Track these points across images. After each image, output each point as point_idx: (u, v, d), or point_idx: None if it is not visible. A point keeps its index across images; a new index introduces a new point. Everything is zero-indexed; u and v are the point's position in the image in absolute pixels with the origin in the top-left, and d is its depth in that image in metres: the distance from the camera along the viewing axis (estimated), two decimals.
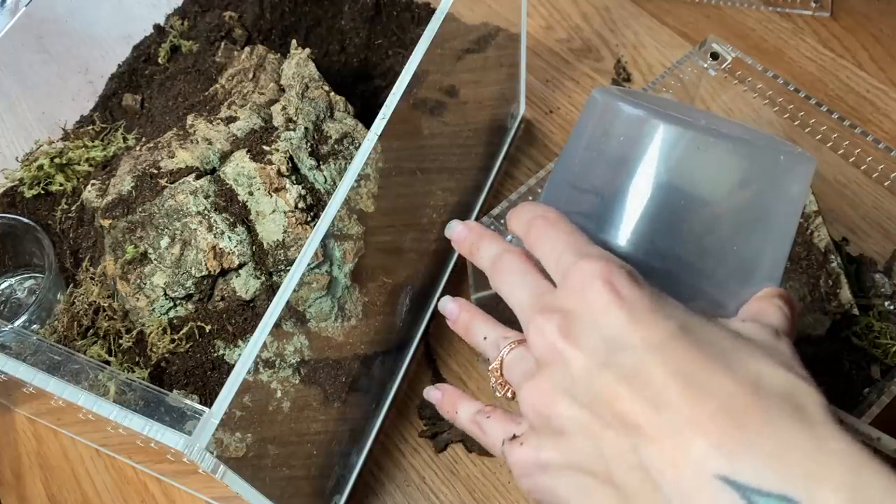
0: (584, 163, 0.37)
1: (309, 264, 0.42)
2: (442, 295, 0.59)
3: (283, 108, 0.49)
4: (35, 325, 0.49)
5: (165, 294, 0.44)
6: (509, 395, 0.35)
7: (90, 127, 0.56)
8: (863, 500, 0.25)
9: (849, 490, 0.25)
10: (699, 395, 0.27)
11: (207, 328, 0.44)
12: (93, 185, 0.49)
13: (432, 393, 0.41)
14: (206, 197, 0.45)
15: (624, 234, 0.34)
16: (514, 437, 0.34)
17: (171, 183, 0.45)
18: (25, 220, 0.52)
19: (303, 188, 0.46)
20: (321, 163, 0.48)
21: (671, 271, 0.34)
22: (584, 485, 0.30)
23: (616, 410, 0.29)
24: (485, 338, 0.37)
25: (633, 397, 0.28)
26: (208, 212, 0.44)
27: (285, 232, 0.45)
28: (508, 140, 0.66)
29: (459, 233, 0.39)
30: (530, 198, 0.53)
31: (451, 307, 0.40)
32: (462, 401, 0.39)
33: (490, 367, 0.36)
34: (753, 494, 0.26)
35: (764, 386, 0.28)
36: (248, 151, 0.46)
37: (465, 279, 0.60)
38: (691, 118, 0.36)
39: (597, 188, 0.36)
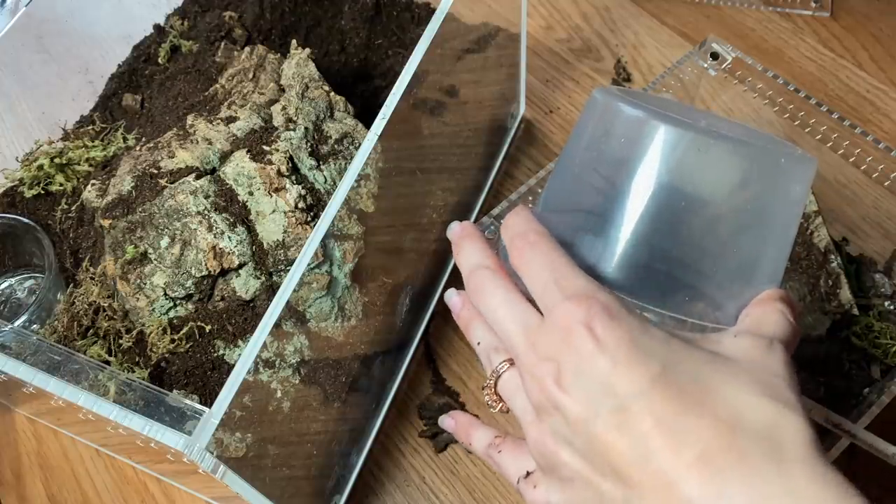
0: (584, 163, 0.37)
1: (309, 264, 0.42)
2: (442, 295, 0.59)
3: (283, 108, 0.49)
4: (35, 325, 0.49)
5: (165, 294, 0.44)
6: (503, 409, 0.36)
7: (90, 127, 0.56)
8: None
9: None
10: (679, 445, 0.28)
11: (207, 328, 0.44)
12: (93, 185, 0.49)
13: (446, 421, 0.42)
14: (206, 197, 0.45)
15: (624, 235, 0.34)
16: (528, 473, 0.35)
17: (171, 183, 0.45)
18: (25, 220, 0.52)
19: (303, 188, 0.46)
20: (321, 163, 0.48)
21: (671, 272, 0.34)
22: None
23: (610, 461, 0.30)
24: (478, 343, 0.38)
25: (624, 448, 0.29)
26: (208, 212, 0.44)
27: (285, 232, 0.45)
28: (508, 140, 0.66)
29: (456, 233, 0.39)
30: (530, 198, 0.53)
31: (456, 301, 0.40)
32: (474, 430, 0.40)
33: (483, 385, 0.37)
34: None
35: (743, 425, 0.29)
36: (248, 151, 0.46)
37: None
38: (692, 119, 0.36)
39: (597, 188, 0.36)
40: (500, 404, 0.36)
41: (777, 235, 0.36)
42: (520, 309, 0.34)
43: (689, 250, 0.34)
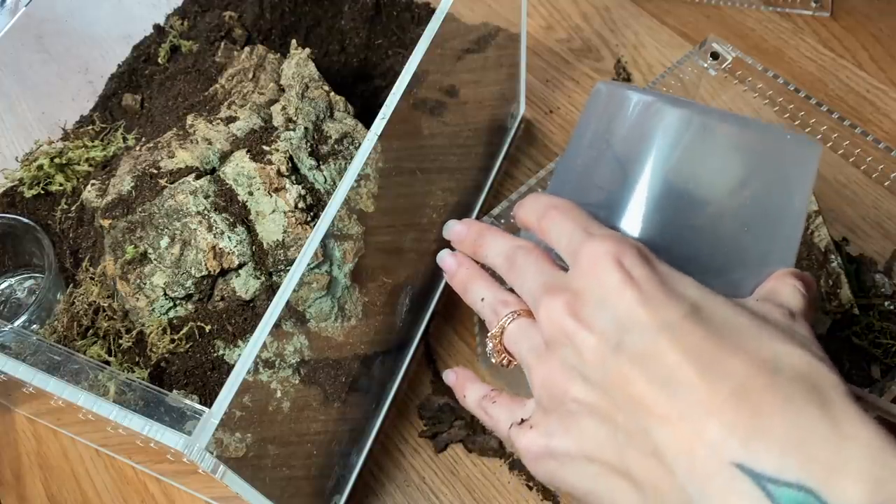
0: (589, 154, 0.37)
1: (309, 264, 0.42)
2: (442, 295, 0.59)
3: (283, 108, 0.49)
4: (35, 325, 0.49)
5: (165, 294, 0.44)
6: (504, 362, 0.35)
7: (90, 127, 0.56)
8: (887, 492, 0.24)
9: (872, 481, 0.24)
10: (713, 378, 0.26)
11: (207, 328, 0.44)
12: (93, 185, 0.49)
13: (449, 376, 0.40)
14: (206, 197, 0.45)
15: (633, 221, 0.33)
16: (522, 421, 0.33)
17: (171, 183, 0.45)
18: (25, 220, 0.52)
19: (303, 188, 0.46)
20: (321, 163, 0.48)
21: (682, 257, 0.33)
22: (595, 474, 0.29)
23: (629, 393, 0.28)
24: (482, 299, 0.36)
25: (646, 379, 0.27)
26: (208, 212, 0.44)
27: (285, 232, 0.45)
28: (508, 140, 0.66)
29: (459, 231, 0.38)
30: None
31: (450, 261, 0.39)
32: (470, 384, 0.38)
33: (489, 334, 0.35)
34: (769, 484, 0.25)
35: (781, 367, 0.27)
36: (247, 151, 0.46)
37: None
38: (697, 108, 0.35)
39: (603, 177, 0.35)
40: (504, 355, 0.34)
41: (788, 217, 0.35)
42: (552, 269, 0.33)
43: (699, 236, 0.34)
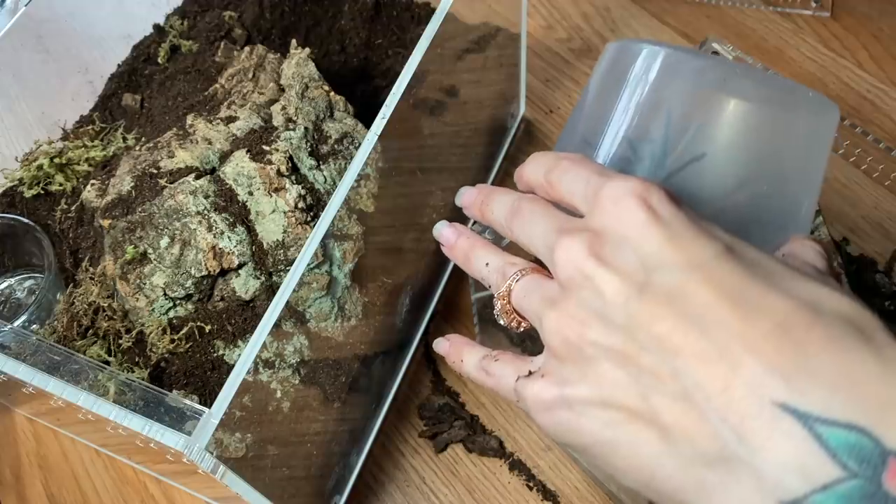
0: (598, 113, 0.35)
1: (309, 264, 0.42)
2: (442, 295, 0.59)
3: (283, 107, 0.49)
4: (35, 325, 0.49)
5: (165, 294, 0.44)
6: (514, 324, 0.32)
7: (90, 127, 0.56)
8: None
9: None
10: (751, 315, 0.24)
11: (207, 328, 0.44)
12: (92, 185, 0.49)
13: (441, 344, 0.37)
14: (206, 197, 0.45)
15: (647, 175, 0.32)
16: (531, 373, 0.30)
17: (171, 183, 0.45)
18: (25, 220, 0.52)
19: (303, 188, 0.46)
20: (321, 163, 0.48)
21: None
22: (614, 421, 0.27)
23: (655, 333, 0.25)
24: (487, 264, 0.34)
25: (675, 318, 0.25)
26: (208, 212, 0.44)
27: (285, 232, 0.45)
28: (508, 140, 0.66)
29: (470, 194, 0.36)
30: None
31: (448, 232, 0.37)
32: (467, 348, 0.35)
33: (497, 293, 0.33)
34: (818, 424, 0.23)
35: (823, 308, 0.25)
36: (247, 151, 0.46)
37: (465, 279, 0.60)
38: (710, 63, 0.34)
39: (613, 135, 0.34)
40: (513, 315, 0.32)
41: (804, 180, 0.34)
42: (563, 215, 0.31)
43: (715, 195, 0.32)
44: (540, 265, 0.33)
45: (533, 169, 0.33)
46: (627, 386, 0.26)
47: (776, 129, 0.33)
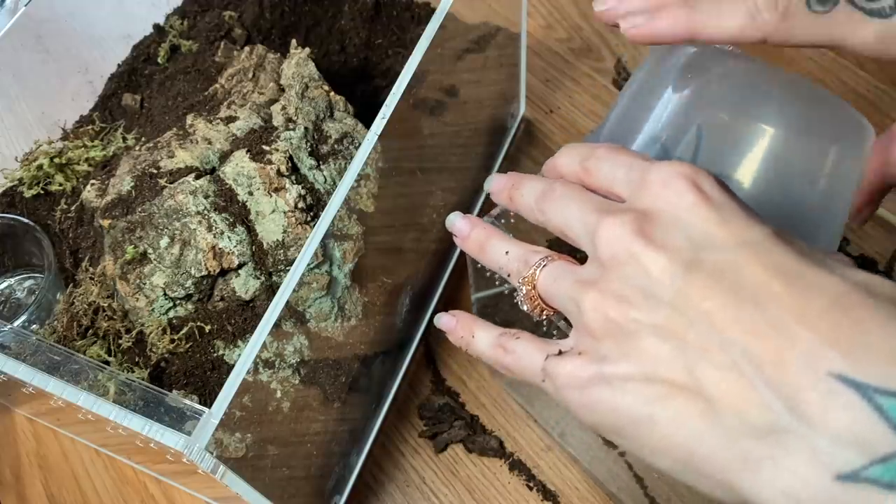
0: (631, 117, 0.35)
1: (309, 264, 0.42)
2: (442, 295, 0.59)
3: (283, 107, 0.49)
4: (34, 325, 0.49)
5: (165, 294, 0.44)
6: (538, 311, 0.32)
7: (90, 127, 0.56)
8: None
9: None
10: (805, 292, 0.24)
11: (207, 328, 0.44)
12: (92, 184, 0.49)
13: (444, 319, 0.36)
14: (206, 197, 0.45)
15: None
16: (561, 352, 0.29)
17: (171, 183, 0.45)
18: (25, 220, 0.52)
19: (303, 188, 0.46)
20: (321, 163, 0.48)
21: None
22: (656, 395, 0.26)
23: (703, 309, 0.25)
24: (507, 252, 0.33)
25: (725, 293, 0.25)
26: (208, 212, 0.44)
27: (285, 232, 0.45)
28: (508, 140, 0.66)
29: (499, 180, 0.36)
30: None
31: (462, 223, 0.36)
32: (480, 323, 0.34)
33: (521, 279, 0.31)
34: (878, 395, 0.22)
35: (876, 290, 0.25)
36: (247, 151, 0.46)
37: (465, 279, 0.60)
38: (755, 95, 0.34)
39: (646, 140, 0.34)
40: (537, 302, 0.31)
41: (831, 208, 0.34)
42: (601, 198, 0.30)
43: (753, 201, 0.33)
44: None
45: (567, 159, 0.33)
46: (672, 360, 0.26)
47: (807, 157, 0.33)
